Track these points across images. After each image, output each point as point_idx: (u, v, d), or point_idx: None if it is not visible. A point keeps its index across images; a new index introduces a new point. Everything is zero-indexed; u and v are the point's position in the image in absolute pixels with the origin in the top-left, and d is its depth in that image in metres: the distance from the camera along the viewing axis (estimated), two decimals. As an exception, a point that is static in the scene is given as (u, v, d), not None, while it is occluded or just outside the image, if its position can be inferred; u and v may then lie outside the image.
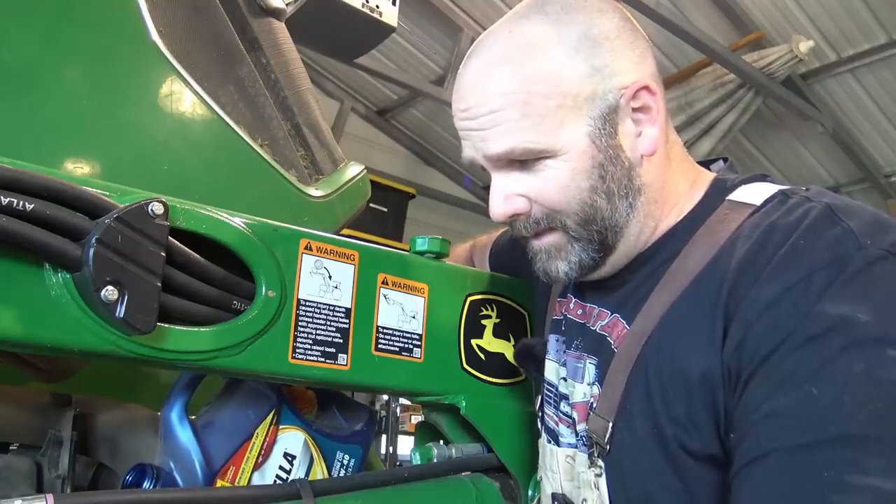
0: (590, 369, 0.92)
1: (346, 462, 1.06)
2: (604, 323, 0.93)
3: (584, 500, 0.90)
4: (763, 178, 0.89)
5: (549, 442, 1.00)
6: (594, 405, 0.89)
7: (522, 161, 0.86)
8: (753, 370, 0.72)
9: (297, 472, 0.98)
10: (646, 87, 0.85)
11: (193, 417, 0.99)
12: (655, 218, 0.89)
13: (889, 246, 0.71)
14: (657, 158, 0.88)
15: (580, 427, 0.93)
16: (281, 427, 0.98)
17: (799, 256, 0.73)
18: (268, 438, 0.96)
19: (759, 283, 0.74)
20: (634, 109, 0.85)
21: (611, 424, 0.85)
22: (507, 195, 0.88)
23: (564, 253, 0.89)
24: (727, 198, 0.87)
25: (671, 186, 0.90)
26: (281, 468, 0.97)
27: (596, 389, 0.90)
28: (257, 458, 0.95)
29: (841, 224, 0.74)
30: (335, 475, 1.04)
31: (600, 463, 0.87)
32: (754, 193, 0.85)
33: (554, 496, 0.97)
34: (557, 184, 0.85)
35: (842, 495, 0.62)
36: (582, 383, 0.93)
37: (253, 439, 0.95)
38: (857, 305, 0.68)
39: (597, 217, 0.86)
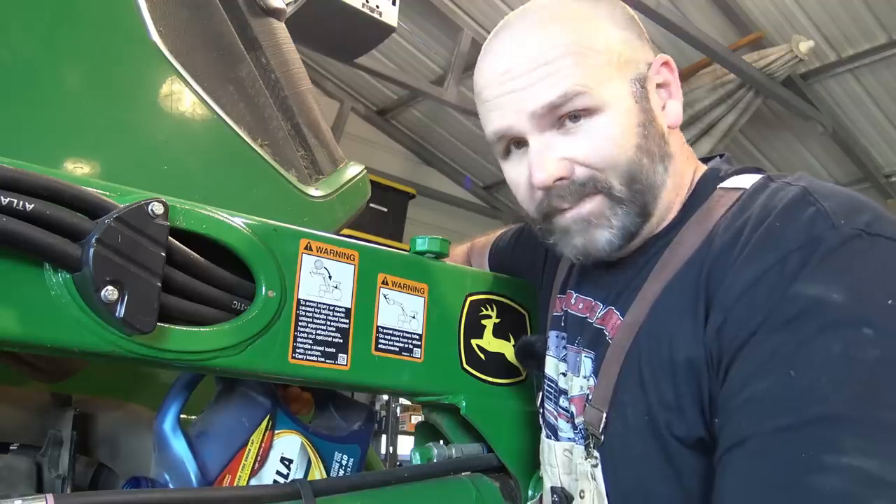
0: (586, 363, 0.93)
1: (344, 462, 1.06)
2: (599, 316, 0.94)
3: (582, 491, 0.91)
4: (757, 170, 0.90)
5: (549, 437, 1.01)
6: (590, 397, 0.90)
7: (563, 125, 0.85)
8: (734, 355, 0.72)
9: (295, 477, 0.97)
10: (666, 63, 0.91)
11: (194, 417, 0.99)
12: (671, 197, 0.90)
13: (863, 225, 0.71)
14: (676, 135, 0.92)
15: (578, 420, 0.93)
16: (277, 432, 0.98)
17: (774, 238, 0.74)
18: (263, 444, 0.95)
19: (736, 267, 0.75)
20: (658, 85, 0.90)
21: (604, 415, 0.86)
22: (551, 159, 0.85)
23: (606, 220, 0.87)
24: (719, 186, 0.88)
25: (683, 169, 0.92)
26: (278, 473, 0.97)
27: (592, 382, 0.91)
28: (253, 465, 0.94)
29: (816, 205, 0.74)
30: (334, 476, 1.04)
31: (596, 454, 0.88)
32: (745, 182, 0.87)
33: (553, 489, 0.98)
34: (608, 137, 0.85)
35: (820, 476, 0.62)
36: (578, 377, 0.95)
37: (248, 446, 0.94)
38: (831, 286, 0.68)
39: (641, 176, 0.86)
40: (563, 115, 0.85)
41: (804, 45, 4.60)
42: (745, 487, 0.67)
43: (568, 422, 0.96)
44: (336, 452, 1.05)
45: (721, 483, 0.70)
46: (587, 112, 0.84)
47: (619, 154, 0.85)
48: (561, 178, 0.86)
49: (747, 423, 0.69)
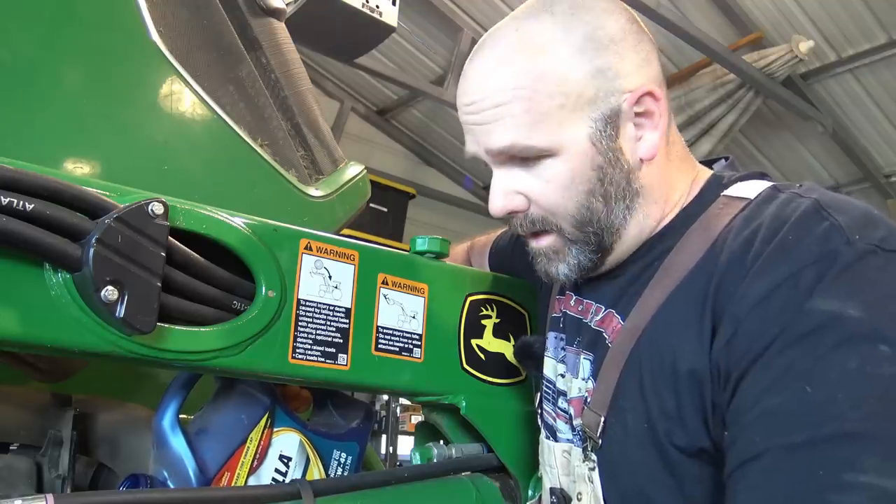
0: (584, 365, 0.93)
1: (343, 460, 1.06)
2: (599, 318, 0.93)
3: (580, 493, 0.91)
4: (761, 175, 0.89)
5: (548, 438, 1.01)
6: (588, 400, 0.90)
7: (524, 159, 0.86)
8: (746, 368, 0.71)
9: (294, 474, 0.97)
10: (650, 93, 0.85)
11: (191, 417, 0.99)
12: (655, 217, 0.89)
13: (878, 241, 0.71)
14: (657, 161, 0.88)
15: (576, 422, 0.93)
16: (275, 430, 0.98)
17: (787, 252, 0.73)
18: (262, 442, 0.95)
19: (749, 279, 0.74)
20: (637, 114, 0.86)
21: (603, 419, 0.86)
22: (507, 191, 0.88)
23: (563, 255, 0.90)
24: (723, 193, 0.87)
25: (671, 186, 0.90)
26: (277, 471, 0.96)
27: (591, 384, 0.91)
28: (252, 462, 0.94)
29: (830, 219, 0.73)
30: (332, 474, 1.04)
31: (593, 457, 0.88)
32: (749, 189, 0.86)
33: (552, 490, 0.98)
34: (557, 184, 0.85)
35: (839, 494, 0.62)
36: (577, 378, 0.94)
37: (247, 444, 0.94)
38: (847, 301, 0.68)
39: (592, 220, 0.86)
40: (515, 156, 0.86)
41: (804, 45, 4.60)
42: (761, 503, 0.67)
43: (567, 423, 0.96)
44: (335, 450, 1.05)
45: (734, 498, 0.69)
46: (541, 153, 0.84)
47: (567, 201, 0.86)
48: (515, 212, 0.89)
49: (762, 437, 0.68)
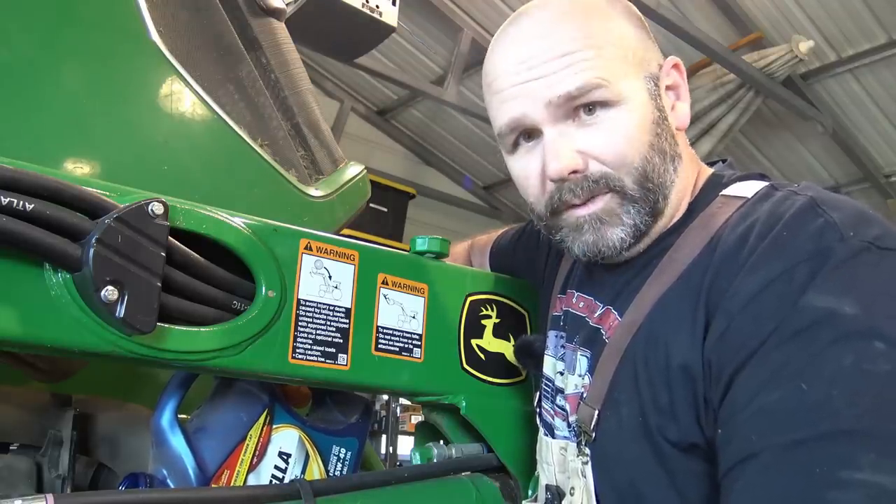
0: (581, 361, 0.94)
1: (342, 455, 1.05)
2: (597, 315, 0.94)
3: (573, 488, 0.91)
4: (761, 176, 0.90)
5: (546, 435, 1.01)
6: (584, 395, 0.90)
7: (577, 115, 0.85)
8: (740, 365, 0.71)
9: (293, 471, 0.97)
10: (676, 66, 0.92)
11: (188, 416, 0.99)
12: (678, 198, 0.90)
13: (872, 238, 0.71)
14: (682, 137, 0.92)
15: (572, 418, 0.94)
16: (275, 426, 0.98)
17: (781, 248, 0.73)
18: (261, 439, 0.95)
19: (742, 275, 0.74)
20: (668, 87, 0.91)
21: (596, 412, 0.86)
22: (567, 150, 0.85)
23: (617, 218, 0.86)
24: (721, 193, 0.88)
25: (688, 170, 0.92)
26: (276, 468, 0.96)
27: (587, 380, 0.91)
28: (251, 459, 0.94)
29: (824, 216, 0.74)
30: (332, 470, 1.04)
31: (587, 451, 0.88)
32: (747, 188, 0.86)
33: (547, 487, 0.99)
34: (623, 134, 0.85)
35: (836, 492, 0.62)
36: (574, 375, 0.95)
37: (246, 441, 0.94)
38: (842, 298, 0.68)
39: (653, 174, 0.86)
40: (578, 106, 0.85)
41: (804, 45, 4.60)
42: (759, 502, 0.66)
43: (564, 420, 0.97)
44: (334, 446, 1.05)
45: (730, 497, 0.69)
46: (603, 104, 0.84)
47: (633, 151, 0.85)
48: (575, 171, 0.85)
49: (758, 436, 0.68)
